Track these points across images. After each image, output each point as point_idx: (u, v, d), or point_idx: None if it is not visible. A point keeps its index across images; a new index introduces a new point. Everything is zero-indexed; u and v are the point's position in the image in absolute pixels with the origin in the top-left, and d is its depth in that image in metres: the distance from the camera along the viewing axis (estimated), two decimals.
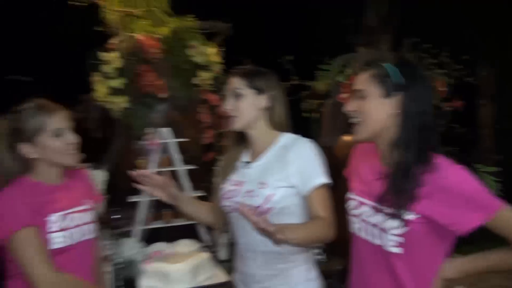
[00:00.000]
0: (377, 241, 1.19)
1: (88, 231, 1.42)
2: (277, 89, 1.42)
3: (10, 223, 1.25)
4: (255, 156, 1.44)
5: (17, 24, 3.16)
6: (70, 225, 1.36)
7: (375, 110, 1.18)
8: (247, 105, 1.39)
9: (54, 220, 1.32)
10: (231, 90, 1.41)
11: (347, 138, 2.46)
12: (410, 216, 1.11)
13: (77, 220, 1.39)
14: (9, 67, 2.03)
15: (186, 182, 2.35)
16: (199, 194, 2.36)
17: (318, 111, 2.92)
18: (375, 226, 1.19)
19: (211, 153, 2.62)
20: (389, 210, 1.14)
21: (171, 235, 2.28)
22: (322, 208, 1.30)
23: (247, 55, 2.54)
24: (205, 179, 2.55)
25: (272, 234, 1.05)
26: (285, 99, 1.44)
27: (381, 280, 1.21)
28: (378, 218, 1.18)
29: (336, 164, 1.53)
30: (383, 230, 1.16)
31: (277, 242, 1.08)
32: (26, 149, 1.33)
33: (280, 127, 1.43)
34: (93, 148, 2.43)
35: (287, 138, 1.41)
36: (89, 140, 3.11)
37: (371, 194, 1.22)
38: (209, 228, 2.35)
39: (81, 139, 1.42)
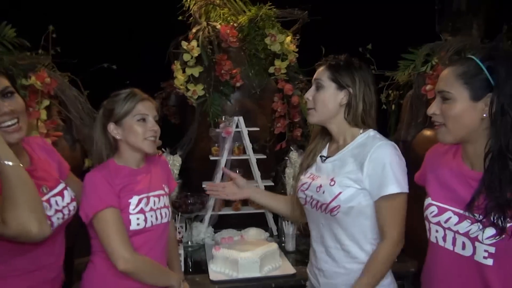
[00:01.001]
0: (465, 252, 1.08)
1: (163, 215, 1.48)
2: (362, 87, 1.33)
3: (95, 202, 1.33)
4: (334, 151, 1.39)
5: (108, 17, 3.39)
6: (147, 208, 1.42)
7: (464, 115, 1.05)
8: (325, 98, 1.35)
9: (134, 202, 1.40)
10: (315, 80, 1.39)
11: (427, 132, 2.30)
12: (509, 224, 0.99)
13: (154, 204, 1.45)
14: (98, 57, 2.20)
15: (256, 171, 2.37)
16: (267, 184, 2.37)
17: (397, 103, 2.76)
18: (463, 235, 1.08)
19: (282, 143, 2.61)
20: (482, 218, 1.02)
21: (240, 222, 2.31)
22: (390, 221, 1.24)
23: (324, 43, 2.46)
24: (273, 169, 2.56)
25: None
26: (371, 97, 1.35)
27: None
28: (466, 227, 1.07)
29: (415, 160, 1.43)
30: (475, 239, 1.05)
31: None
32: (113, 129, 1.42)
33: (358, 125, 1.36)
34: (171, 134, 2.55)
35: (367, 136, 1.33)
36: (167, 126, 3.29)
37: (455, 200, 1.11)
38: (276, 219, 2.35)
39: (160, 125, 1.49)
